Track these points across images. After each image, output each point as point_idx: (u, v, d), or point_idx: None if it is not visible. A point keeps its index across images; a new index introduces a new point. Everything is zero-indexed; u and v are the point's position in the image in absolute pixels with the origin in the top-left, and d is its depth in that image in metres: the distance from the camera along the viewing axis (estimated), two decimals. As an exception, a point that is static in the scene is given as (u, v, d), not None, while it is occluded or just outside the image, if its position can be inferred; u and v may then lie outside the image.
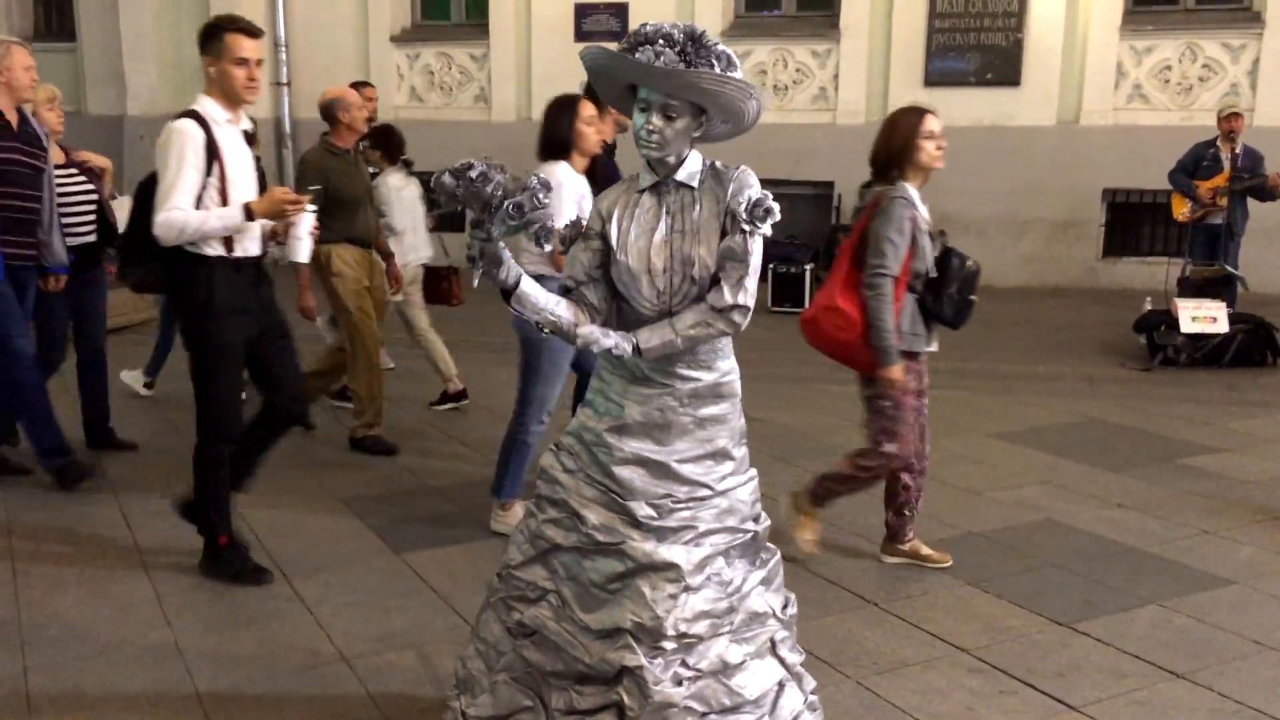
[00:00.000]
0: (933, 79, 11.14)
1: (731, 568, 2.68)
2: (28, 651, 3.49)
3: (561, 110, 4.41)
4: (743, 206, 2.50)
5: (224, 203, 3.77)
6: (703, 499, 2.64)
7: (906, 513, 4.22)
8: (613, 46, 2.46)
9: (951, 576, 4.12)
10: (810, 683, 2.85)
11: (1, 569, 4.14)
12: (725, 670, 2.62)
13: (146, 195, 3.86)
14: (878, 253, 3.89)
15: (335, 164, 5.44)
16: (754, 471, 2.78)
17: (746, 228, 2.50)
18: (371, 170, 6.11)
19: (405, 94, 12.68)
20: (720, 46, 2.45)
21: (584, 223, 2.71)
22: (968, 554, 4.29)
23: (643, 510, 2.60)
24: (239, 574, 4.01)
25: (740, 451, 2.73)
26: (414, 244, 6.31)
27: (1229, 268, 8.29)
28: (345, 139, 5.54)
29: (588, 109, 4.39)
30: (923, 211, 4.00)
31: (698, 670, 2.59)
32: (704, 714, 2.58)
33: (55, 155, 5.23)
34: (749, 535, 2.71)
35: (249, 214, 3.77)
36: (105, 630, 3.64)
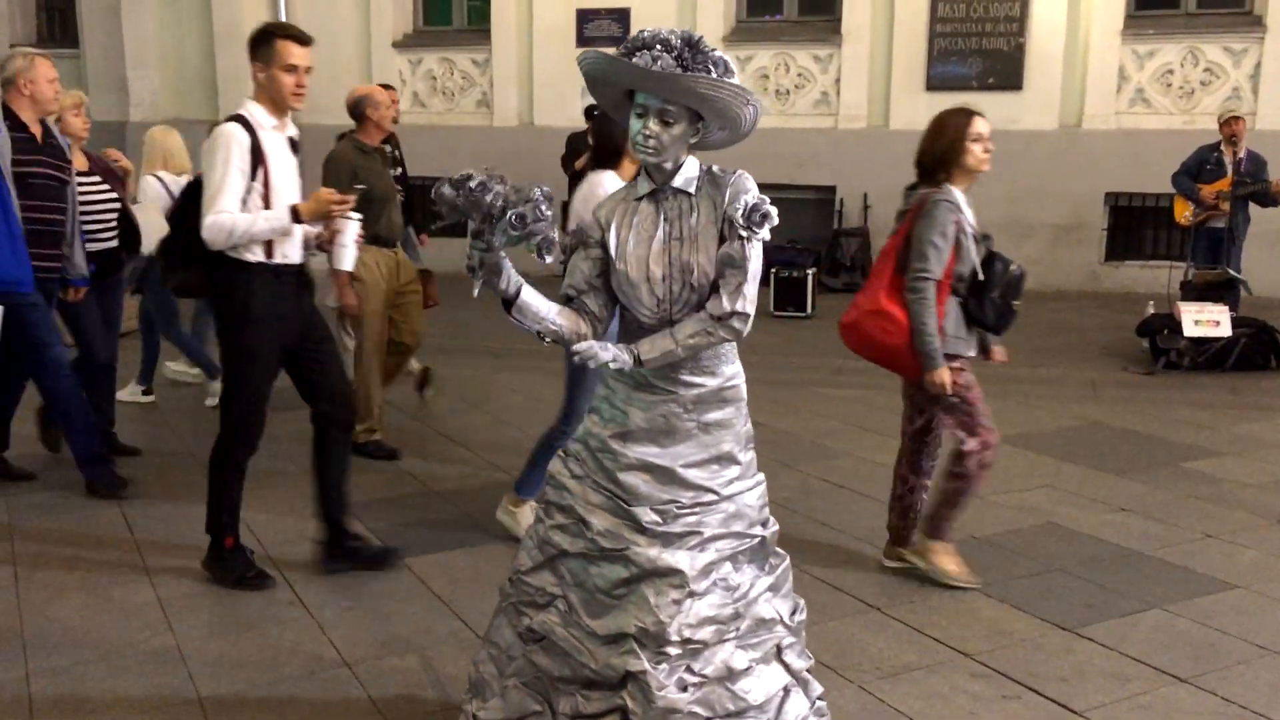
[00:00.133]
0: (934, 83, 11.15)
1: (739, 573, 2.68)
2: (30, 656, 3.49)
3: (611, 121, 4.35)
4: (740, 212, 2.49)
5: (267, 207, 3.77)
6: (708, 504, 2.64)
7: (911, 516, 4.21)
8: (611, 51, 2.46)
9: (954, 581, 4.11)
10: (816, 688, 2.85)
11: (4, 574, 4.14)
12: (730, 676, 2.62)
13: (191, 199, 3.86)
14: (920, 256, 3.86)
15: (363, 161, 5.42)
16: (761, 476, 2.77)
17: (744, 233, 2.49)
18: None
19: (407, 99, 12.71)
20: (717, 53, 2.46)
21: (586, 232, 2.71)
22: (970, 558, 4.28)
23: (647, 516, 2.59)
24: (241, 579, 4.01)
25: (747, 456, 2.73)
26: None
27: (1231, 271, 8.28)
28: (373, 136, 5.53)
29: None
30: (968, 215, 3.96)
31: (702, 676, 2.58)
32: (708, 719, 2.57)
33: (78, 162, 5.24)
34: (757, 540, 2.71)
35: (295, 216, 3.78)
36: (107, 635, 3.64)
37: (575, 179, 10.92)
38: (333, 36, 12.71)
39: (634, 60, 2.40)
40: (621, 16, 11.82)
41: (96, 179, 5.48)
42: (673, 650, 2.55)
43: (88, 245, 5.18)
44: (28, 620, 3.75)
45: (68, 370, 4.93)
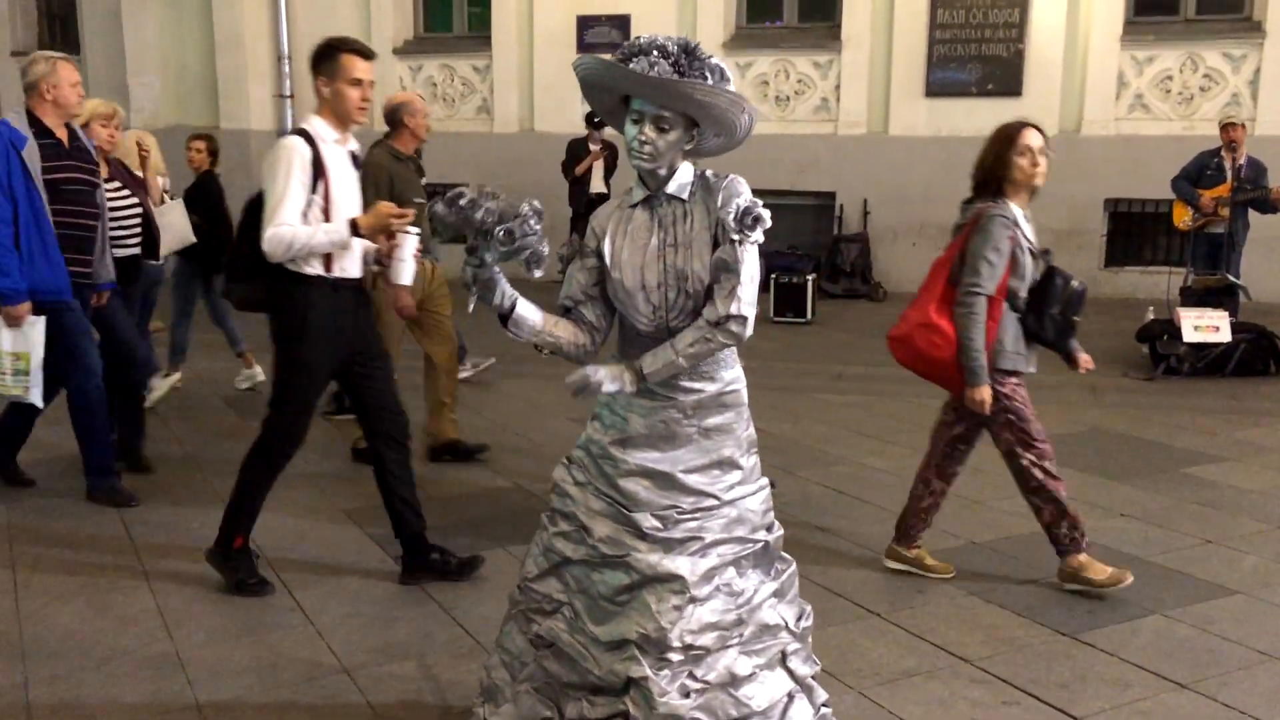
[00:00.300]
0: (934, 89, 11.18)
1: (744, 578, 2.68)
2: (28, 663, 3.48)
3: None
4: (731, 216, 2.49)
5: (328, 220, 3.77)
6: (709, 509, 2.64)
7: (923, 518, 4.19)
8: (606, 57, 2.47)
9: (954, 587, 4.11)
10: (821, 695, 2.85)
11: (3, 579, 4.14)
12: (733, 682, 2.62)
13: (254, 212, 3.86)
14: (973, 271, 3.84)
15: (398, 169, 5.38)
16: (765, 481, 2.77)
17: (736, 237, 2.49)
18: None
19: (408, 105, 12.72)
20: (714, 60, 2.46)
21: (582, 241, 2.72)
22: (970, 564, 4.28)
23: (648, 522, 2.59)
24: (241, 583, 4.00)
25: (749, 461, 2.72)
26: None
27: (1231, 277, 8.28)
28: (408, 144, 5.49)
29: None
30: (1025, 230, 3.91)
31: (705, 682, 2.58)
32: (710, 725, 2.58)
33: (100, 170, 5.22)
34: (760, 545, 2.71)
35: (354, 230, 3.77)
36: (106, 641, 3.63)
37: (576, 185, 11.00)
38: (333, 43, 12.74)
39: (631, 66, 2.40)
40: (622, 23, 11.85)
41: (118, 185, 5.49)
42: (675, 656, 2.55)
43: (113, 251, 5.17)
44: (26, 626, 3.74)
45: (99, 380, 4.89)
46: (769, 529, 2.75)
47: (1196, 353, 7.60)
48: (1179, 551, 4.47)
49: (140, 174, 5.92)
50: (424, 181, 6.36)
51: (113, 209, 5.32)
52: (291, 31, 12.84)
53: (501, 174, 11.97)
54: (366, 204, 4.01)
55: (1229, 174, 8.43)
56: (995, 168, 3.89)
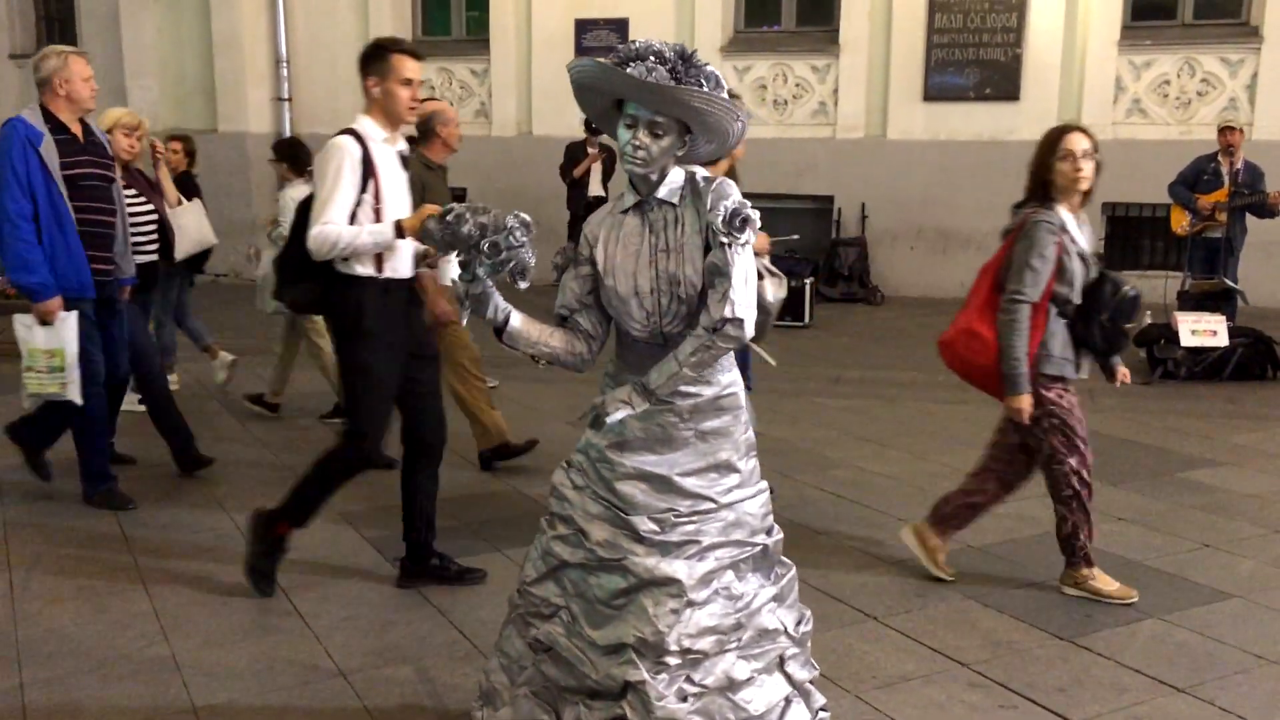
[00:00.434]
0: (932, 94, 11.19)
1: (743, 582, 2.67)
2: (24, 666, 3.47)
3: None
4: (720, 219, 2.48)
5: (377, 220, 3.77)
6: (706, 512, 2.63)
7: (965, 517, 4.15)
8: (603, 60, 2.47)
9: (952, 591, 4.10)
10: (819, 699, 2.84)
11: (-1, 583, 4.14)
12: (731, 686, 2.61)
13: (306, 213, 3.86)
14: (1017, 278, 3.80)
15: (430, 178, 5.30)
16: (764, 484, 2.77)
17: (725, 240, 2.48)
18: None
19: (406, 109, 12.74)
20: (709, 67, 2.46)
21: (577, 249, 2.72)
22: (968, 568, 4.28)
23: (645, 525, 2.59)
24: (256, 569, 3.97)
25: (747, 464, 2.72)
26: None
27: (1228, 281, 8.30)
28: (439, 153, 5.43)
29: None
30: (1075, 235, 3.85)
31: (703, 686, 2.58)
32: (708, 729, 2.58)
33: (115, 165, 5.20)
34: (759, 549, 2.70)
35: (399, 231, 3.77)
36: (102, 644, 3.63)
37: (574, 188, 11.01)
38: (330, 47, 12.76)
39: (628, 71, 2.40)
40: (620, 26, 11.87)
41: (134, 192, 5.47)
42: (672, 660, 2.55)
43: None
44: (23, 629, 3.74)
45: (100, 386, 4.87)
46: (768, 532, 2.74)
47: (1194, 357, 7.61)
48: (1176, 555, 4.47)
49: (155, 176, 5.91)
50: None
51: (129, 215, 5.27)
52: (290, 35, 12.85)
53: (500, 177, 12.00)
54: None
55: (1226, 179, 8.45)
56: (1040, 172, 3.84)
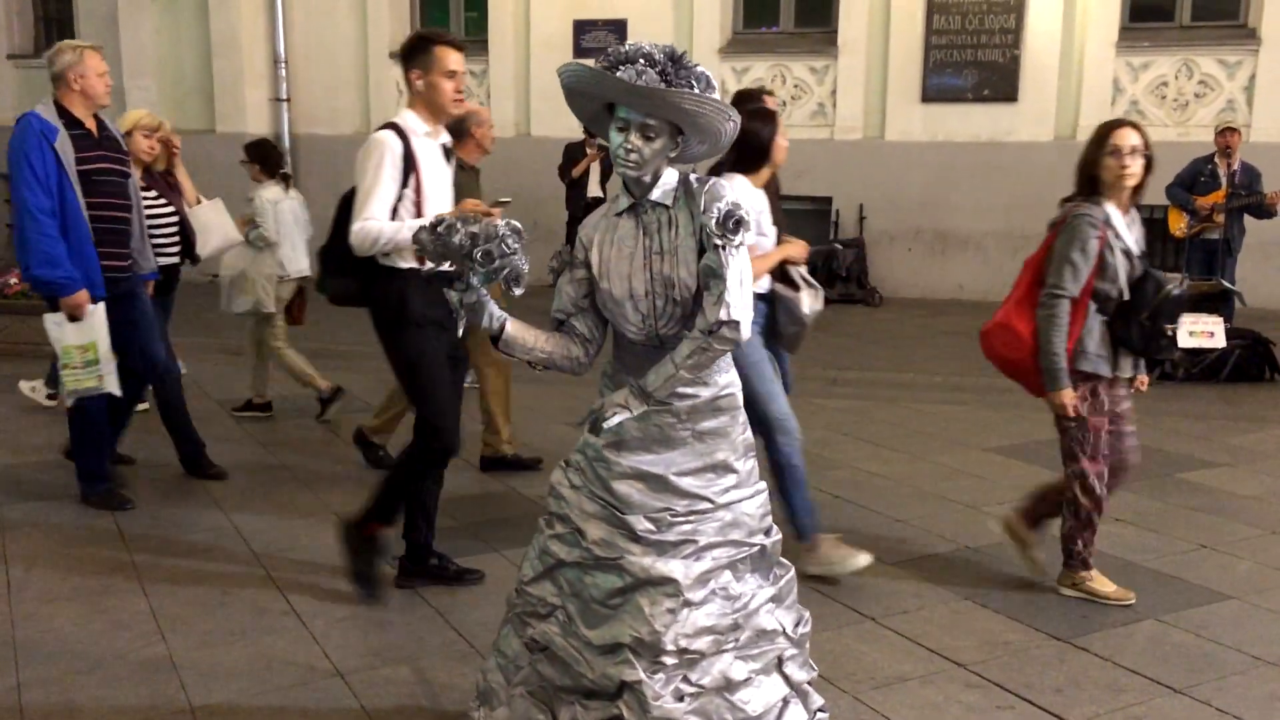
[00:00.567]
0: (930, 95, 11.20)
1: (741, 582, 2.68)
2: (22, 666, 3.47)
3: (763, 120, 4.05)
4: (713, 220, 2.48)
5: (419, 215, 3.76)
6: (703, 512, 2.63)
7: (1051, 513, 4.11)
8: (592, 64, 2.47)
9: (949, 591, 4.11)
10: (816, 700, 2.85)
11: (-4, 583, 4.14)
12: (728, 686, 2.62)
13: (347, 208, 3.85)
14: (1056, 273, 3.77)
15: (463, 179, 5.29)
16: (763, 485, 2.77)
17: (719, 242, 2.48)
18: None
19: (404, 110, 12.74)
20: (700, 68, 2.46)
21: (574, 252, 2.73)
22: (965, 569, 4.29)
23: (641, 524, 2.60)
24: (361, 577, 3.92)
25: (745, 465, 2.72)
26: (290, 257, 6.45)
27: (1225, 283, 8.31)
28: (473, 154, 5.38)
29: (778, 120, 4.12)
30: (1120, 231, 3.79)
31: (700, 686, 2.58)
32: (705, 729, 2.58)
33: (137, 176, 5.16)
34: (756, 549, 2.70)
35: None
36: (100, 645, 3.62)
37: (573, 189, 11.01)
38: (329, 48, 12.76)
39: (618, 74, 2.40)
40: (618, 27, 11.87)
41: (154, 194, 5.46)
42: (669, 660, 2.55)
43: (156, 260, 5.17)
44: (20, 630, 3.73)
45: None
46: (767, 533, 2.75)
47: (1191, 358, 7.61)
48: (1174, 556, 4.47)
49: (172, 173, 5.88)
50: (289, 185, 6.48)
51: (150, 218, 5.27)
52: (288, 35, 12.84)
53: (498, 178, 11.98)
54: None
55: (1224, 180, 8.46)
56: (1087, 167, 3.81)
